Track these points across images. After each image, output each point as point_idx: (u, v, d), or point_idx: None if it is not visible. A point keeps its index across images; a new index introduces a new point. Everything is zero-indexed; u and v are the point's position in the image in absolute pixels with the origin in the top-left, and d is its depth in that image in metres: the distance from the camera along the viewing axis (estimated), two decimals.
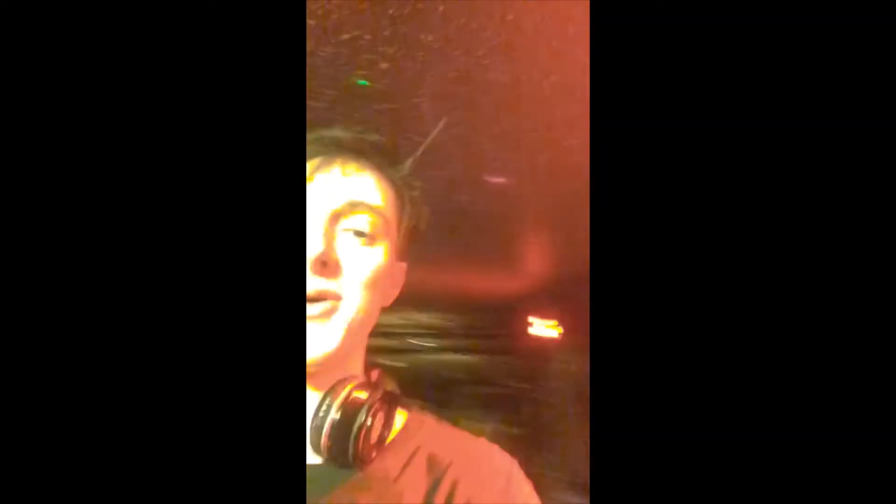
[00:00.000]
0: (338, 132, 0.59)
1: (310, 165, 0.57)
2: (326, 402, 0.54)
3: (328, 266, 0.54)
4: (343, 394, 0.55)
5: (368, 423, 0.54)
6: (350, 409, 0.54)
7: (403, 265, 0.64)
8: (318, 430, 0.54)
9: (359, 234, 0.57)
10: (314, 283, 0.54)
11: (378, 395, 0.56)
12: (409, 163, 0.63)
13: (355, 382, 0.56)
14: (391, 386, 0.62)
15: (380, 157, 0.60)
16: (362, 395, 0.55)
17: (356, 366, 0.62)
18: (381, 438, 0.57)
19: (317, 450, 0.54)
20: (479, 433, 0.63)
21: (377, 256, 0.58)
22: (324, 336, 0.55)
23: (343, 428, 0.53)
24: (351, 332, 0.57)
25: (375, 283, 0.58)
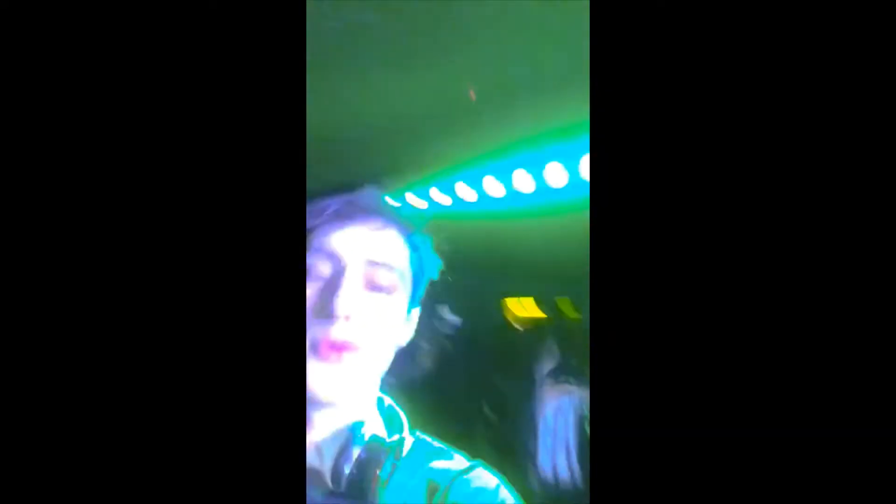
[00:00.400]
0: (362, 196, 0.67)
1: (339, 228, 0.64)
2: (350, 441, 0.62)
3: (351, 319, 0.61)
4: (365, 438, 0.63)
5: (388, 469, 0.62)
6: (371, 455, 0.62)
7: (417, 310, 0.71)
8: (338, 467, 0.61)
9: (378, 288, 0.64)
10: (339, 333, 0.60)
11: (394, 439, 0.65)
12: (424, 226, 0.70)
13: (375, 426, 0.65)
14: (401, 418, 0.69)
15: (398, 219, 0.67)
16: (382, 441, 0.63)
17: (371, 400, 0.69)
18: (389, 478, 0.63)
19: (334, 482, 0.61)
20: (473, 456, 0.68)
21: (394, 307, 0.65)
22: (346, 380, 0.61)
23: (363, 471, 0.61)
24: (369, 374, 0.64)
25: (392, 331, 0.65)
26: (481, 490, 0.64)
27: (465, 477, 0.64)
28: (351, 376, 0.61)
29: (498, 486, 0.65)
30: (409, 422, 0.70)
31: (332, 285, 0.61)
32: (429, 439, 0.69)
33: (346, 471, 0.60)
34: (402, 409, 0.70)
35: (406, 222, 0.67)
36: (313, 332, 0.60)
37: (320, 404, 0.61)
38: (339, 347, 0.60)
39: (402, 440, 0.65)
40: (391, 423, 0.68)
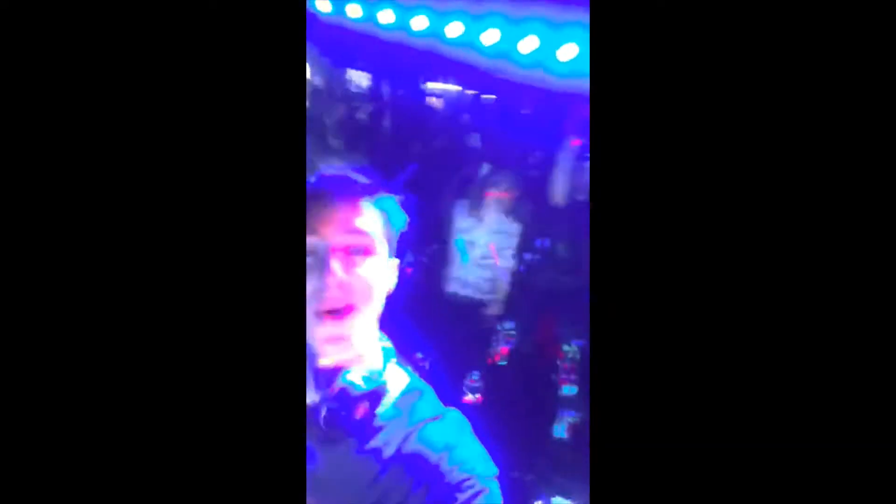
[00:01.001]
0: (333, 170, 0.79)
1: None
2: (337, 382, 0.73)
3: (343, 284, 0.72)
4: (348, 381, 0.73)
5: (359, 409, 0.73)
6: (347, 395, 0.72)
7: (395, 261, 0.81)
8: (321, 404, 0.71)
9: (357, 251, 0.74)
10: (334, 300, 0.71)
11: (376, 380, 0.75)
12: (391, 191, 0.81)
13: (365, 368, 0.75)
14: (392, 361, 0.80)
15: (365, 188, 0.78)
16: (359, 386, 0.73)
17: (371, 344, 0.79)
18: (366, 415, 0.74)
19: (316, 415, 0.71)
20: None
21: (375, 264, 0.76)
22: (347, 336, 0.73)
23: (339, 408, 0.72)
24: (367, 324, 0.76)
25: (379, 283, 0.76)
26: (450, 433, 0.75)
27: (438, 420, 0.76)
28: (352, 330, 0.73)
29: (468, 431, 0.76)
30: (397, 361, 0.80)
31: (319, 262, 0.70)
32: (412, 378, 0.80)
33: (326, 408, 0.72)
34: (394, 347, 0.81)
35: (373, 189, 0.77)
36: (314, 304, 0.69)
37: (325, 357, 0.72)
38: (338, 311, 0.71)
39: (384, 382, 0.76)
40: (385, 364, 0.78)
